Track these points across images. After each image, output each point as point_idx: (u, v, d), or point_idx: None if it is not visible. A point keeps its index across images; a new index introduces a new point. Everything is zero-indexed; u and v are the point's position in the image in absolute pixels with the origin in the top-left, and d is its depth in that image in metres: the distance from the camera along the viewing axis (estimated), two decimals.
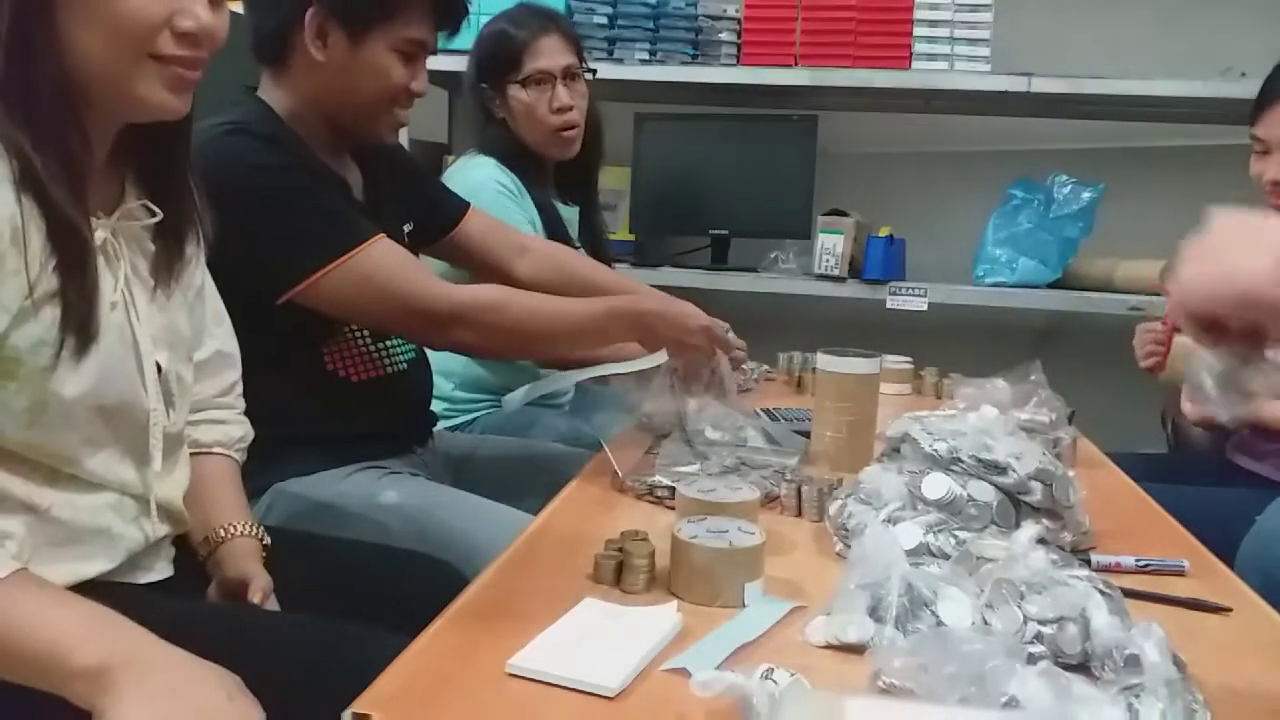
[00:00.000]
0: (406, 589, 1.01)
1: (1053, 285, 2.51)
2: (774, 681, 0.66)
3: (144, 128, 0.88)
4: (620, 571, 0.88)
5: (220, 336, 1.08)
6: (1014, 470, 0.96)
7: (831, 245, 2.52)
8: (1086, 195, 2.50)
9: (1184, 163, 2.64)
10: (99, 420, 0.85)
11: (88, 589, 0.82)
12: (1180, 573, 0.99)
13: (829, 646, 0.78)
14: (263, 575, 0.98)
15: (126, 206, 0.89)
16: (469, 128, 1.85)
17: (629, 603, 0.85)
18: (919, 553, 0.89)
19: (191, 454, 1.02)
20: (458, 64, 1.90)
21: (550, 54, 1.76)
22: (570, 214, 1.90)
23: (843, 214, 2.55)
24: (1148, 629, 0.70)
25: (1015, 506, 0.96)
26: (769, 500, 1.15)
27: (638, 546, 0.89)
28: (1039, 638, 0.74)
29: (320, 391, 1.28)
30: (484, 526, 1.22)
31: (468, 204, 1.57)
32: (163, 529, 0.94)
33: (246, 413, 1.13)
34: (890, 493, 0.97)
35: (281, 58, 1.28)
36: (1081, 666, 0.73)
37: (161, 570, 0.96)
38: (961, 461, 0.98)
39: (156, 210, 0.90)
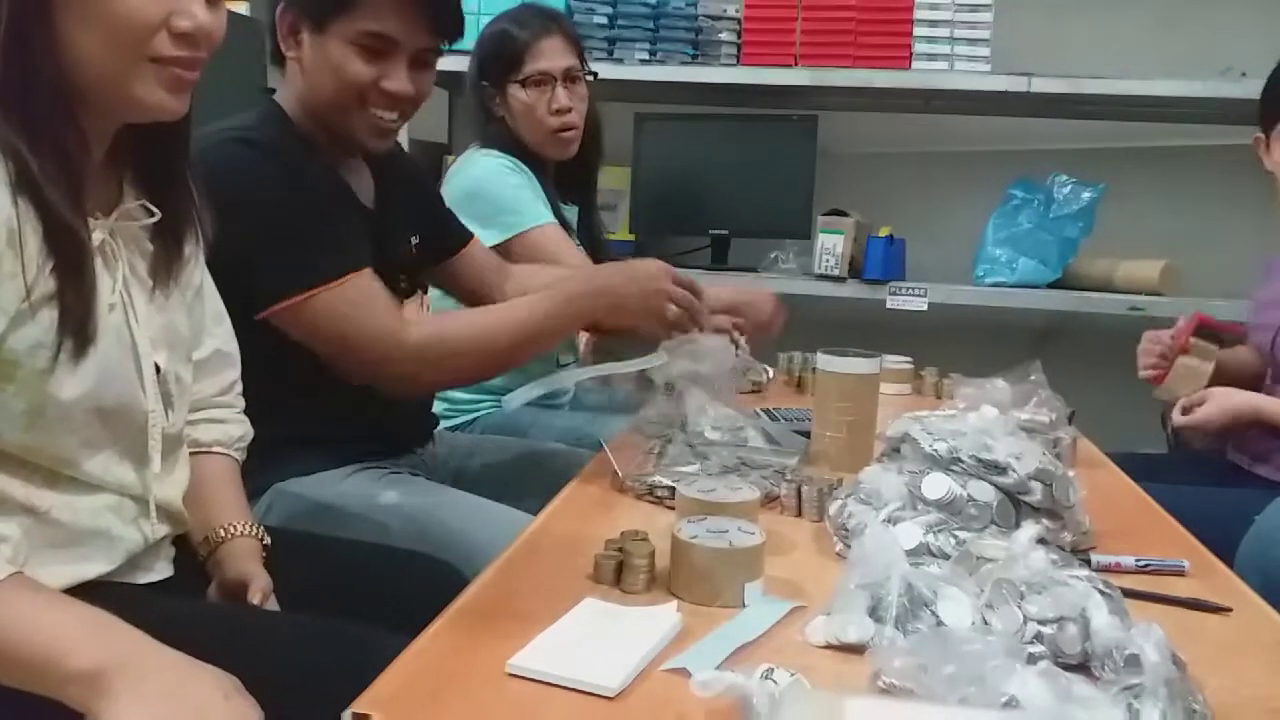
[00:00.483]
0: (406, 589, 1.01)
1: (1053, 285, 2.51)
2: (774, 681, 0.66)
3: (142, 127, 0.88)
4: (620, 571, 0.88)
5: (219, 336, 1.08)
6: (1014, 470, 0.96)
7: (831, 245, 2.52)
8: (1086, 195, 2.50)
9: (1184, 163, 2.64)
10: (97, 422, 0.85)
11: (87, 590, 0.82)
12: (1180, 573, 0.99)
13: (829, 646, 0.78)
14: (262, 575, 0.98)
15: (124, 207, 0.89)
16: (470, 125, 1.85)
17: (629, 603, 0.85)
18: (919, 553, 0.89)
19: (191, 453, 1.02)
20: (458, 64, 1.90)
21: (551, 55, 1.77)
22: (571, 214, 1.90)
23: (843, 214, 2.55)
24: (1148, 629, 0.70)
25: (1015, 506, 0.96)
26: (769, 500, 1.15)
27: (638, 546, 0.89)
28: (1039, 638, 0.74)
29: (321, 392, 1.28)
30: (484, 526, 1.22)
31: (471, 234, 1.57)
32: (162, 530, 0.94)
33: (247, 412, 1.12)
34: (890, 493, 0.97)
35: (279, 60, 1.28)
36: (1081, 667, 0.73)
37: (161, 570, 0.96)
38: (961, 461, 0.98)
39: (155, 210, 0.90)
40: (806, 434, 1.37)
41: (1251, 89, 1.73)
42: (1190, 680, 0.70)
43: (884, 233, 2.52)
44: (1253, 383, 1.73)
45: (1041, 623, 0.74)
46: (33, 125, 0.77)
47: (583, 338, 1.98)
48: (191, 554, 1.01)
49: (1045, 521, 0.95)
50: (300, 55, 1.25)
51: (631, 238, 2.77)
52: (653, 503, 1.15)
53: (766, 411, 1.56)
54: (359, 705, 0.66)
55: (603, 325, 1.28)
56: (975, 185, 2.70)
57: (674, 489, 1.04)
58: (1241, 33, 2.53)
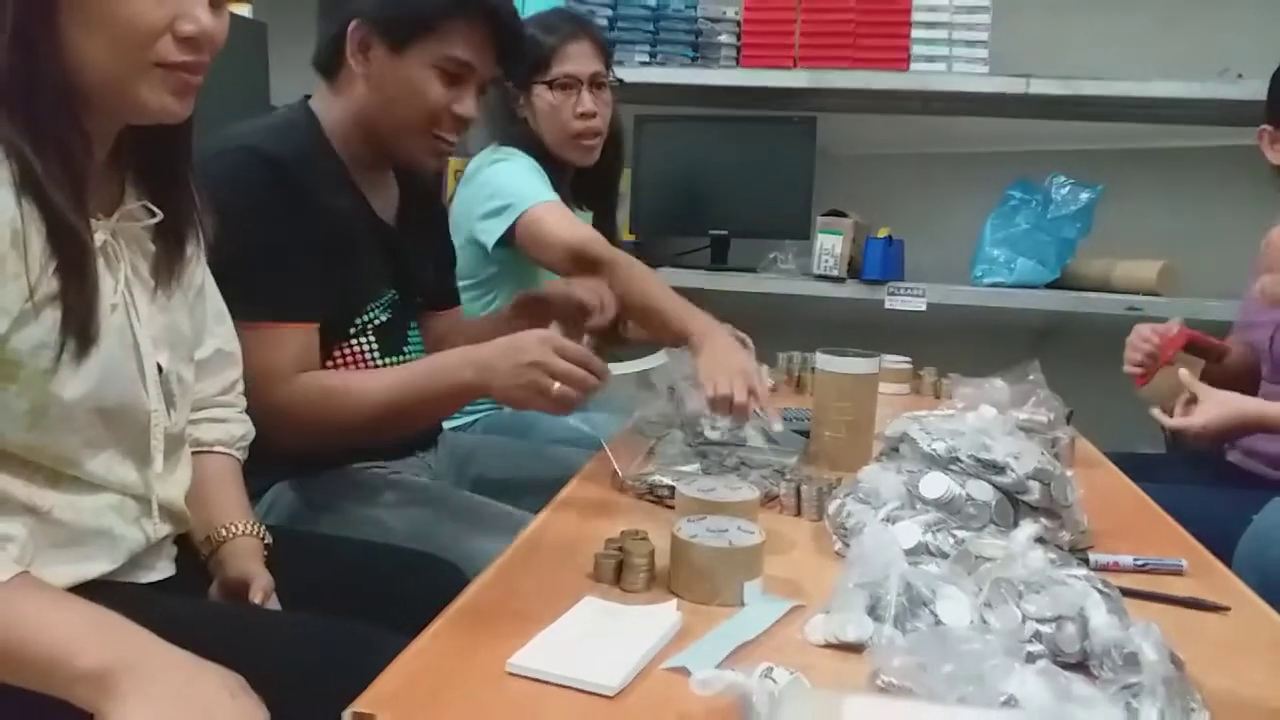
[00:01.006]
0: (407, 589, 1.02)
1: (1051, 285, 2.52)
2: (773, 680, 0.66)
3: (145, 128, 0.88)
4: (620, 571, 0.89)
5: (221, 335, 1.08)
6: (1012, 470, 0.96)
7: (830, 246, 2.52)
8: (1085, 196, 2.50)
9: (1182, 163, 2.64)
10: (100, 422, 0.85)
11: (89, 589, 0.82)
12: (1178, 572, 0.99)
13: (828, 645, 0.78)
14: (264, 575, 0.98)
15: (126, 207, 0.89)
16: (492, 125, 1.83)
17: (629, 602, 0.85)
18: (918, 552, 0.89)
19: (193, 453, 1.02)
20: None
21: (579, 59, 1.75)
22: (584, 219, 1.89)
23: (842, 215, 2.55)
24: (1146, 628, 0.70)
25: (1014, 506, 0.97)
26: (769, 500, 1.16)
27: (638, 546, 0.90)
28: (1037, 637, 0.74)
29: None
30: (484, 526, 1.22)
31: (458, 300, 1.56)
32: (164, 529, 0.94)
33: (247, 412, 1.13)
34: (889, 492, 0.98)
35: (333, 69, 1.27)
36: (1080, 665, 0.73)
37: (163, 569, 0.96)
38: (960, 461, 0.98)
39: (156, 211, 0.91)
40: (806, 434, 1.37)
41: (1249, 90, 1.73)
42: (1188, 679, 0.70)
43: (883, 233, 2.52)
44: (1245, 380, 1.73)
45: (1040, 622, 0.74)
46: (37, 127, 0.77)
47: (585, 338, 1.98)
48: (193, 553, 1.01)
49: (1044, 521, 0.95)
50: (369, 71, 1.24)
51: (632, 238, 2.77)
52: (653, 502, 1.15)
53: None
54: (359, 705, 0.66)
55: (494, 395, 1.20)
56: (974, 186, 2.70)
57: (674, 488, 1.04)
58: (1239, 34, 2.53)
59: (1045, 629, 0.74)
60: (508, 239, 1.63)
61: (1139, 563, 1.00)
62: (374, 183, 1.33)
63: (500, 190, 1.65)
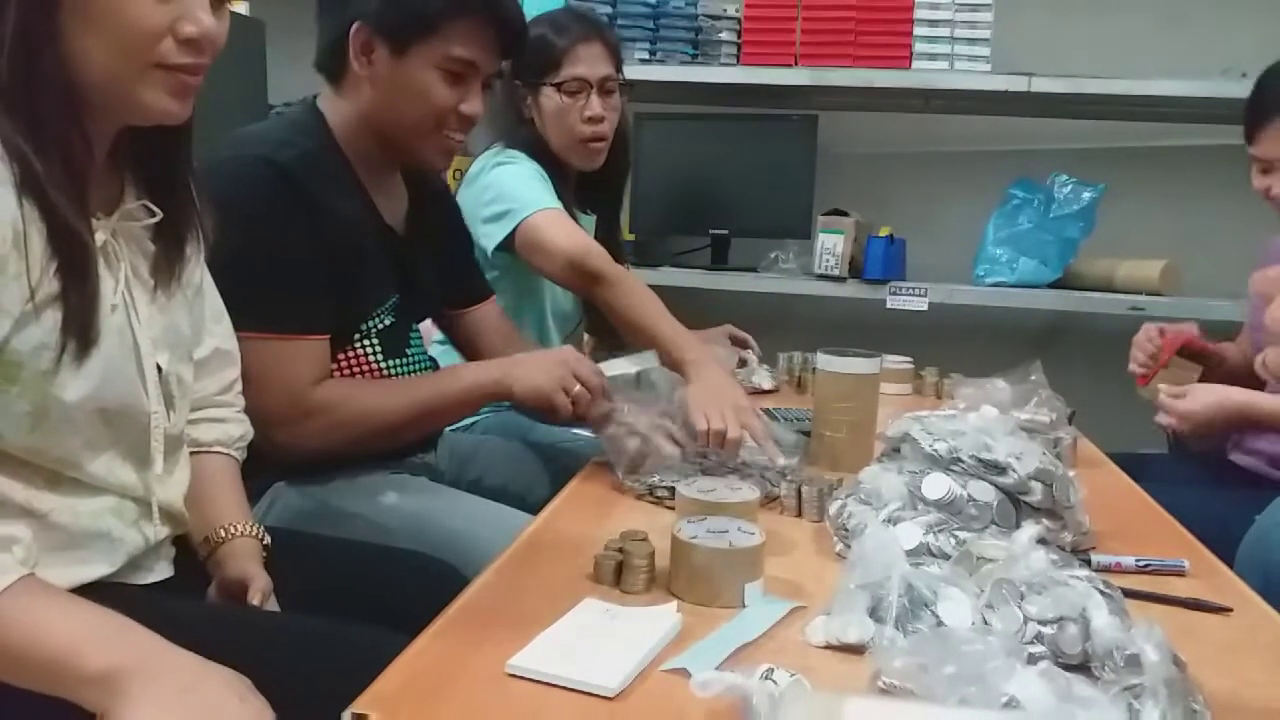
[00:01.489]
0: (406, 589, 1.01)
1: (1053, 285, 2.51)
2: (774, 682, 0.66)
3: (144, 128, 0.88)
4: (620, 571, 0.88)
5: (219, 334, 1.08)
6: (1014, 470, 0.96)
7: (832, 245, 2.52)
8: (1087, 195, 2.50)
9: (1184, 163, 2.64)
10: (100, 423, 0.85)
11: (86, 592, 0.82)
12: (1180, 573, 0.99)
13: (829, 647, 0.78)
14: (262, 576, 0.98)
15: (126, 207, 0.89)
16: (496, 124, 1.81)
17: (629, 603, 0.85)
18: (919, 553, 0.89)
19: (191, 453, 1.02)
20: None
21: (590, 62, 1.72)
22: (586, 223, 1.88)
23: (843, 214, 2.54)
24: (1148, 629, 0.70)
25: (1015, 506, 0.96)
26: (769, 500, 1.15)
27: (638, 546, 0.89)
28: (1039, 638, 0.74)
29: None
30: (484, 527, 1.22)
31: (492, 292, 1.56)
32: (163, 531, 0.94)
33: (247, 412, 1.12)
34: (890, 493, 0.97)
35: (337, 72, 1.27)
36: (1082, 667, 0.73)
37: (162, 571, 0.96)
38: (962, 461, 0.98)
39: (156, 210, 0.90)
40: (806, 434, 1.37)
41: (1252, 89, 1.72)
42: (1190, 680, 0.70)
43: (884, 233, 2.52)
44: (1248, 383, 1.73)
45: (1042, 623, 0.74)
46: (38, 127, 0.77)
47: (585, 339, 1.98)
48: (192, 554, 1.01)
49: (1045, 521, 0.95)
50: (373, 74, 1.24)
51: (631, 238, 2.76)
52: (653, 503, 1.15)
53: (767, 411, 1.56)
54: (359, 705, 0.66)
55: (512, 392, 1.26)
56: (975, 185, 2.70)
57: (674, 489, 1.04)
58: (1243, 32, 2.53)
59: (1047, 630, 0.74)
60: (507, 245, 1.62)
61: (1141, 564, 0.99)
62: (382, 185, 1.33)
63: (502, 195, 1.64)
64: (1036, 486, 0.96)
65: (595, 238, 1.85)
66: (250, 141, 1.21)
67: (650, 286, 1.58)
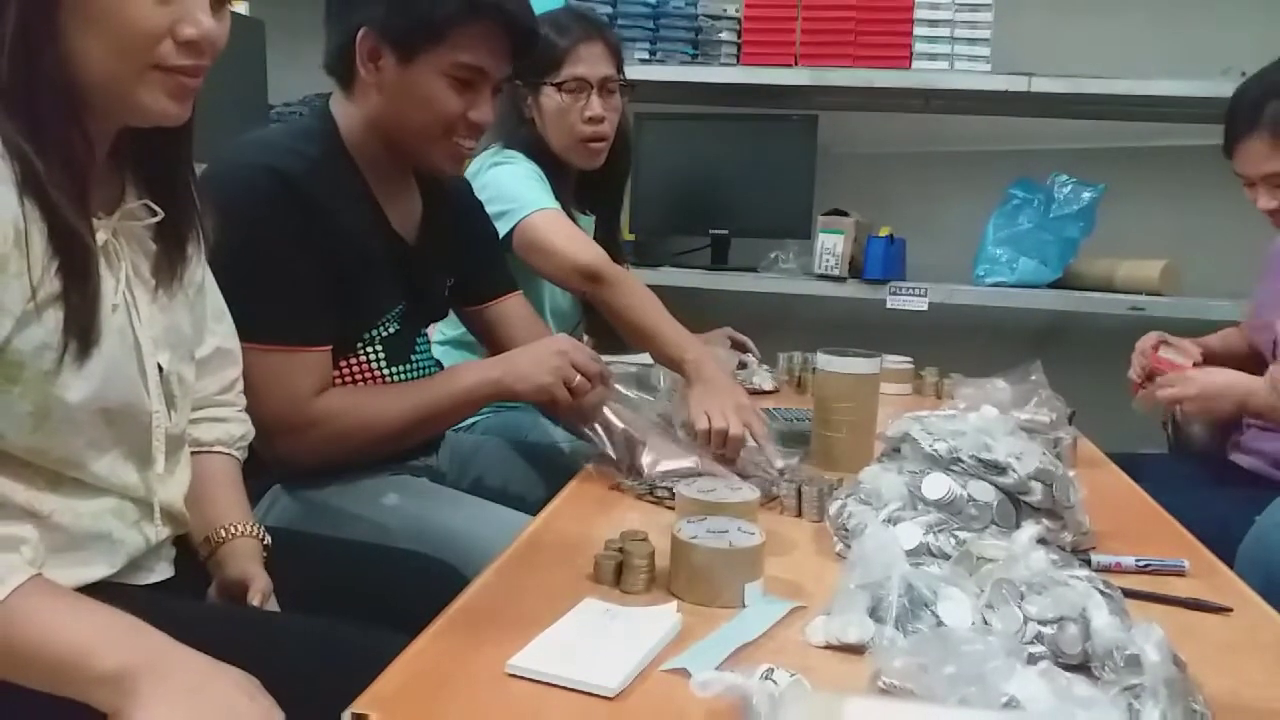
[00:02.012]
0: (406, 589, 1.01)
1: (1053, 285, 2.51)
2: (774, 682, 0.66)
3: (145, 128, 0.88)
4: (620, 571, 0.88)
5: (220, 333, 1.08)
6: (1014, 470, 0.96)
7: (832, 245, 2.51)
8: (1087, 195, 2.50)
9: (1185, 162, 2.64)
10: (102, 423, 0.85)
11: (86, 592, 0.81)
12: (1180, 573, 0.99)
13: (829, 647, 0.78)
14: (262, 576, 0.98)
15: (127, 206, 0.89)
16: (497, 124, 1.81)
17: (629, 603, 0.85)
18: (919, 553, 0.89)
19: (192, 453, 1.02)
20: None
21: (591, 61, 1.72)
22: (585, 223, 1.88)
23: (843, 214, 2.54)
24: (1148, 629, 0.70)
25: (1015, 506, 0.96)
26: (769, 501, 1.15)
27: (638, 546, 0.89)
28: (1039, 638, 0.74)
29: None
30: (484, 527, 1.22)
31: (516, 286, 1.55)
32: (164, 531, 0.94)
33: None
34: (890, 493, 0.97)
35: (345, 76, 1.25)
36: (1082, 667, 0.73)
37: (162, 571, 0.96)
38: (962, 461, 0.98)
39: (157, 210, 0.90)
40: (807, 434, 1.37)
41: None
42: (1190, 680, 0.70)
43: (884, 233, 2.52)
44: (1245, 368, 1.72)
45: (1042, 623, 0.74)
46: (38, 127, 0.77)
47: (585, 339, 1.98)
48: (192, 554, 1.01)
49: (1045, 522, 0.95)
50: (380, 80, 1.22)
51: (631, 238, 2.77)
52: (653, 503, 1.15)
53: (767, 411, 1.56)
54: (359, 705, 0.66)
55: (514, 391, 1.27)
56: (975, 185, 2.70)
57: (674, 489, 1.04)
58: (1242, 32, 2.53)
59: (1047, 630, 0.74)
60: (504, 244, 1.62)
61: (1141, 564, 0.99)
62: (392, 192, 1.32)
63: (500, 195, 1.63)
64: (1036, 486, 0.96)
65: (595, 238, 1.84)
66: (257, 149, 1.20)
67: (650, 286, 1.58)
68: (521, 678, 0.71)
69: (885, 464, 1.04)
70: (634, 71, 2.54)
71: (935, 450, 0.99)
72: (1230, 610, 0.90)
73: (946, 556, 0.88)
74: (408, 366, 1.35)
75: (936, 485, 0.96)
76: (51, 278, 0.78)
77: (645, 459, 1.22)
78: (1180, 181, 2.62)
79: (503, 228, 1.61)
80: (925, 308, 2.49)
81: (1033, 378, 1.29)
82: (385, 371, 1.31)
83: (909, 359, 1.90)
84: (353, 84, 1.25)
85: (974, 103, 2.59)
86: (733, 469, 1.24)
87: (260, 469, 1.16)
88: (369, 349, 1.29)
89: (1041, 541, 0.83)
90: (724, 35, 2.57)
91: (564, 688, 0.70)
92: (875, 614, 0.78)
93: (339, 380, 1.27)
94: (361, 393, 1.27)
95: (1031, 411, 1.23)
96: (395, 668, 0.72)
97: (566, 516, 1.11)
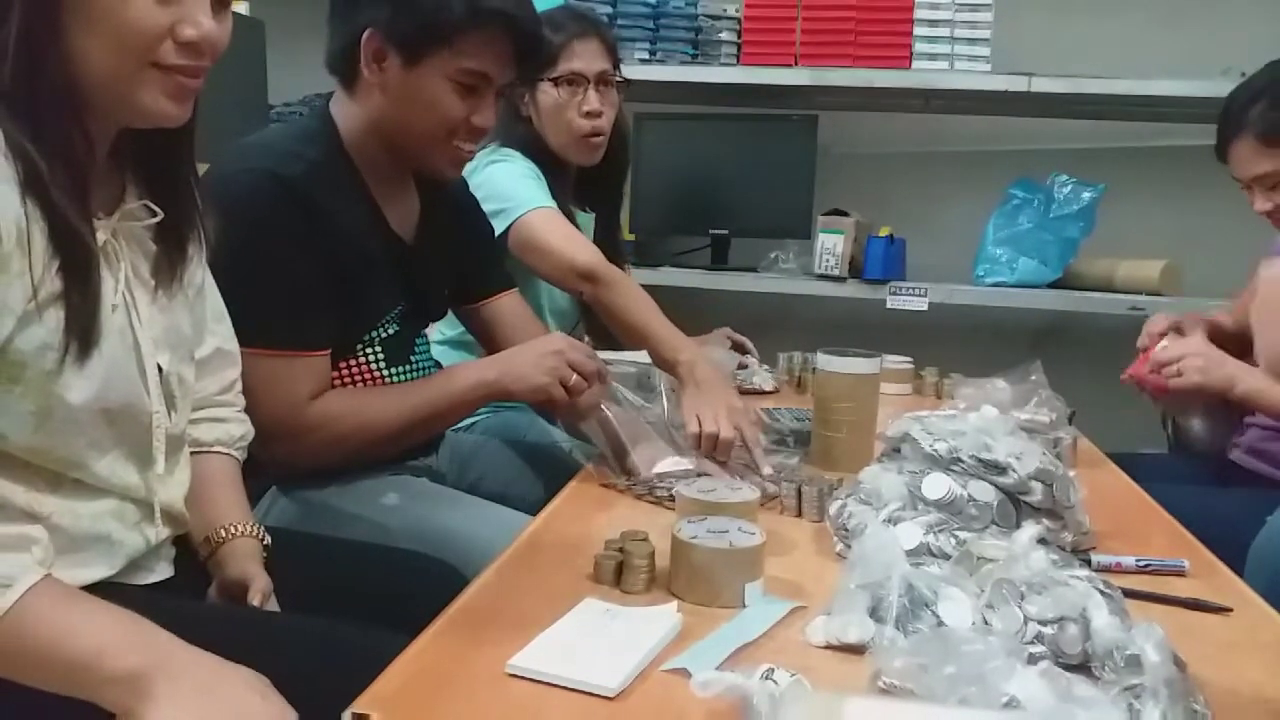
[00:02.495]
0: (406, 589, 1.01)
1: (1053, 285, 2.51)
2: (774, 682, 0.66)
3: (145, 129, 0.88)
4: (620, 571, 0.88)
5: (220, 334, 1.08)
6: (1014, 470, 0.96)
7: (831, 245, 2.52)
8: (1087, 195, 2.50)
9: (1185, 162, 2.63)
10: (104, 423, 0.85)
11: (87, 592, 0.82)
12: (1180, 573, 0.99)
13: (829, 647, 0.78)
14: (262, 577, 0.98)
15: (127, 207, 0.89)
16: (495, 122, 1.80)
17: (629, 603, 0.85)
18: (919, 553, 0.89)
19: (192, 453, 1.02)
20: None
21: (586, 57, 1.72)
22: (585, 221, 1.88)
23: (843, 214, 2.54)
24: (1148, 629, 0.70)
25: (1016, 506, 0.96)
26: (769, 501, 1.15)
27: (638, 546, 0.89)
28: (1039, 638, 0.74)
29: None
30: (484, 527, 1.22)
31: (513, 284, 1.55)
32: (164, 532, 0.94)
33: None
34: (890, 493, 0.97)
35: (348, 76, 1.25)
36: (1082, 667, 0.73)
37: (162, 571, 0.96)
38: (962, 461, 0.98)
39: (157, 210, 0.90)
40: (807, 434, 1.37)
41: None
42: (1191, 680, 0.70)
43: (884, 233, 2.52)
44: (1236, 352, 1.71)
45: (1042, 623, 0.74)
46: (40, 128, 0.77)
47: (585, 339, 1.98)
48: (192, 554, 1.01)
49: (1046, 522, 0.95)
50: (384, 82, 1.22)
51: (631, 238, 2.76)
52: (653, 503, 1.15)
53: (767, 411, 1.56)
54: (359, 705, 0.66)
55: (510, 391, 1.27)
56: (975, 185, 2.70)
57: (674, 489, 1.04)
58: (1242, 32, 2.53)
59: (1047, 630, 0.74)
60: (500, 243, 1.62)
61: (1141, 564, 0.99)
62: (391, 192, 1.31)
63: (495, 193, 1.63)
64: (1036, 486, 0.96)
65: (595, 237, 1.85)
66: (257, 153, 1.20)
67: (650, 286, 1.58)
68: (522, 678, 0.71)
69: (885, 464, 1.04)
70: (634, 71, 2.55)
71: (935, 450, 0.99)
72: (1230, 610, 0.90)
73: (946, 556, 0.88)
74: (407, 367, 1.35)
75: (936, 485, 0.96)
76: (52, 277, 0.78)
77: (640, 460, 1.22)
78: (1180, 181, 2.62)
79: (498, 226, 1.61)
80: (925, 308, 2.49)
81: (1033, 378, 1.29)
82: (385, 372, 1.31)
83: (909, 359, 1.90)
84: (355, 84, 1.25)
85: (974, 103, 2.59)
86: (726, 470, 1.24)
87: (261, 469, 1.16)
88: (369, 350, 1.29)
89: (1041, 541, 0.83)
90: (724, 35, 2.57)
91: (564, 688, 0.70)
92: (875, 614, 0.78)
93: (339, 381, 1.27)
94: (358, 395, 1.27)
95: (1031, 411, 1.23)
96: (395, 668, 0.72)
97: (566, 516, 1.11)
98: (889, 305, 2.50)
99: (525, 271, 1.66)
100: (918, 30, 2.47)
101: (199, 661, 0.73)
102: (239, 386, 1.11)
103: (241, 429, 1.10)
